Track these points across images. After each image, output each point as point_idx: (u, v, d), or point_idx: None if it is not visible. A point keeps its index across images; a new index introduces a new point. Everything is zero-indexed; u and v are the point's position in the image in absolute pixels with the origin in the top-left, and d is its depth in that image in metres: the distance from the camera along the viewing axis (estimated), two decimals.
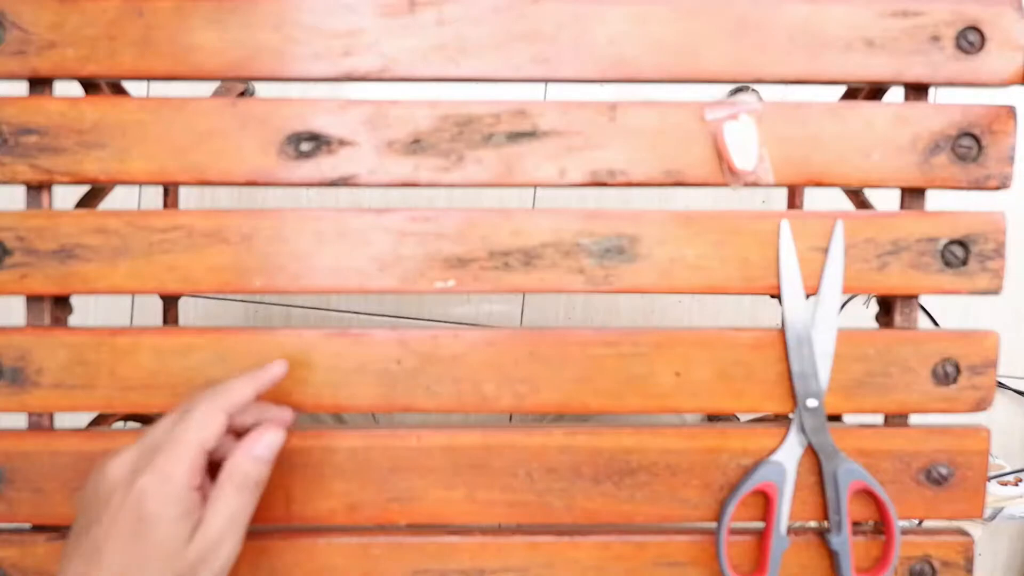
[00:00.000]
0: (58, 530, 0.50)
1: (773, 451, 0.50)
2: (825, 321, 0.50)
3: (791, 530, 0.50)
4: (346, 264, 0.49)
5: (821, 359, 0.50)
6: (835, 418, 0.55)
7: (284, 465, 0.49)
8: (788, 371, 0.50)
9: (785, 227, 0.50)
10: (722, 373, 0.50)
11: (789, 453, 0.50)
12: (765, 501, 0.51)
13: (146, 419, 0.62)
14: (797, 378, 0.50)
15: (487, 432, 0.50)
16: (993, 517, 0.94)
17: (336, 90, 0.55)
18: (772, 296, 0.51)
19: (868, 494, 0.50)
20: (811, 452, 0.51)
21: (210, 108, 0.49)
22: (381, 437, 0.50)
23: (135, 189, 0.87)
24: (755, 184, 0.50)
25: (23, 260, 0.49)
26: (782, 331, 0.50)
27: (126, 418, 0.62)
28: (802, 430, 0.50)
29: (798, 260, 0.50)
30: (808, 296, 0.51)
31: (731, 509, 0.50)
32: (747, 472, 0.50)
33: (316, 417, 0.78)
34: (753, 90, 0.52)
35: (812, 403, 0.50)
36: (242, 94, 0.71)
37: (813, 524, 0.52)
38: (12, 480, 0.49)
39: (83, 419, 0.56)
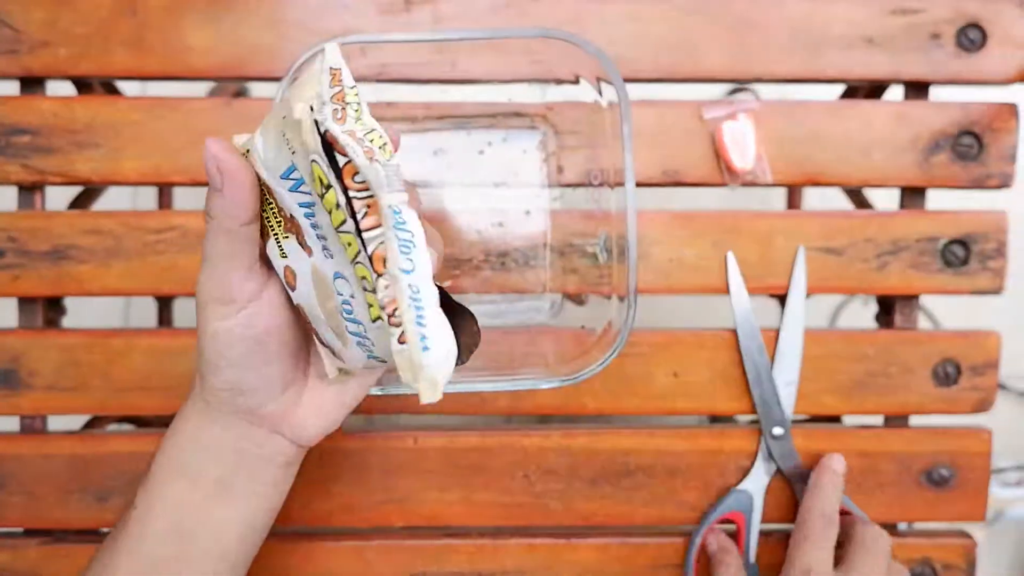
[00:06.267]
0: (51, 534, 0.50)
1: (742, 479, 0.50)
2: (789, 351, 0.49)
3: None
4: None
5: (784, 388, 0.49)
6: (835, 419, 0.55)
7: None
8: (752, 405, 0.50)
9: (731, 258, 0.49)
10: (720, 374, 0.50)
11: (757, 482, 0.49)
12: (736, 529, 0.50)
13: (141, 421, 0.62)
14: (760, 406, 0.49)
15: (484, 433, 0.50)
16: (996, 520, 0.94)
17: None
18: (772, 296, 0.51)
19: (846, 513, 0.49)
20: (782, 478, 0.50)
21: (205, 108, 0.49)
22: (378, 439, 0.50)
23: (129, 190, 0.87)
24: (753, 184, 0.49)
25: (16, 261, 0.48)
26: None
27: (120, 420, 0.62)
28: (770, 457, 0.50)
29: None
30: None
31: (698, 540, 0.49)
32: (716, 501, 0.50)
33: None
34: (751, 90, 0.52)
35: (778, 432, 0.49)
36: (237, 94, 0.70)
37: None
38: (4, 484, 0.49)
39: (77, 422, 0.56)
